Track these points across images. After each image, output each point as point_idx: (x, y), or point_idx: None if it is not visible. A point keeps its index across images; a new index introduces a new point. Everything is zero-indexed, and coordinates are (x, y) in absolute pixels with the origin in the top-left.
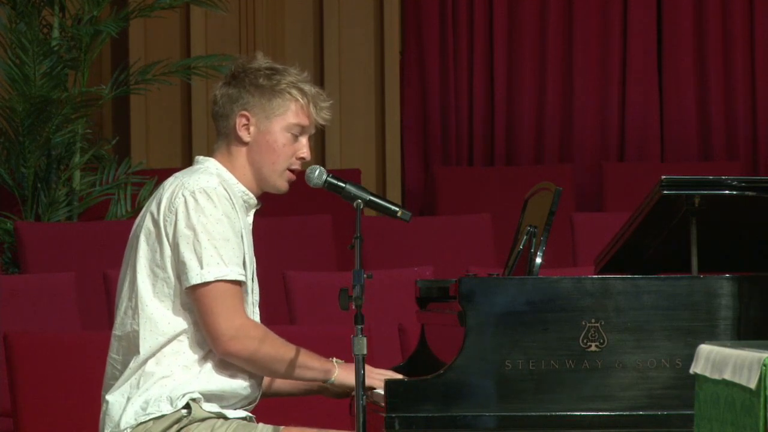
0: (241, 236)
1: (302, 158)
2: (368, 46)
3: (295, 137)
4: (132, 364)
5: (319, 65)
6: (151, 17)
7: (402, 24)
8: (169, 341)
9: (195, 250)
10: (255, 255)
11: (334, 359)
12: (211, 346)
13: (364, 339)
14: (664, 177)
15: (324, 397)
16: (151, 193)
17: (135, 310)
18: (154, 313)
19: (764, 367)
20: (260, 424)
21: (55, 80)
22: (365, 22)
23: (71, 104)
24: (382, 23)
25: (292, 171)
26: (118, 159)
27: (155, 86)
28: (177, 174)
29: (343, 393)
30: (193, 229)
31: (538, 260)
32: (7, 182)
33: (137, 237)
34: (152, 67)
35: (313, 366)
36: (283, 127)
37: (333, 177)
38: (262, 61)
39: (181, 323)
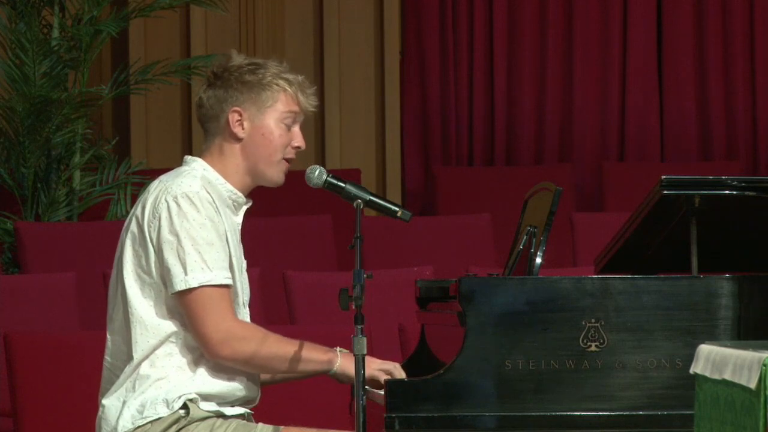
0: (227, 239)
1: (297, 147)
2: (368, 46)
3: (288, 127)
4: (127, 368)
5: (319, 65)
6: (151, 17)
7: (402, 24)
8: (161, 343)
9: (179, 256)
10: (253, 255)
11: (338, 348)
12: (202, 350)
13: (364, 339)
14: (664, 177)
15: (324, 396)
16: None
17: (125, 313)
18: (143, 316)
19: (764, 367)
20: (260, 424)
21: (55, 80)
22: (365, 22)
23: (71, 104)
24: (382, 23)
25: (287, 161)
26: (118, 159)
27: (155, 86)
28: (161, 177)
29: (351, 379)
30: (176, 234)
31: (538, 260)
32: (7, 182)
33: (124, 241)
34: (152, 67)
35: (314, 358)
36: (277, 118)
37: (333, 177)
38: (240, 58)
39: (170, 326)
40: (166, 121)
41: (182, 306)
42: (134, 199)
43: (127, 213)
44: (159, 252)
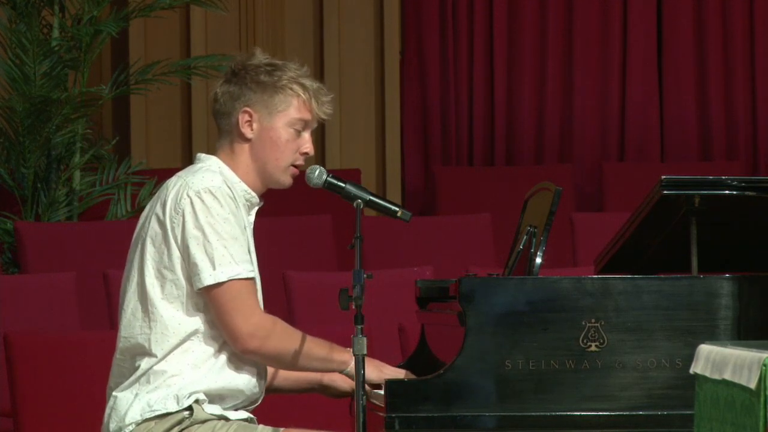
0: (245, 234)
1: (305, 153)
2: (368, 46)
3: (298, 132)
4: (144, 365)
5: (319, 65)
6: (151, 17)
7: (402, 24)
8: (181, 342)
9: (206, 251)
10: (256, 255)
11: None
12: (231, 344)
13: (364, 339)
14: (664, 177)
15: (324, 398)
16: (151, 194)
17: (145, 312)
18: (164, 315)
19: (764, 367)
20: (260, 426)
21: (55, 80)
22: (365, 21)
23: (71, 104)
24: (382, 23)
25: (295, 166)
26: (118, 159)
27: (155, 86)
28: (179, 173)
29: (342, 393)
30: (201, 229)
31: (538, 260)
32: (7, 182)
33: (143, 239)
34: (152, 67)
35: (333, 358)
36: (286, 122)
37: (333, 177)
38: (261, 57)
39: (191, 324)
40: (166, 121)
41: (210, 300)
42: (134, 199)
43: (128, 213)
44: (184, 248)
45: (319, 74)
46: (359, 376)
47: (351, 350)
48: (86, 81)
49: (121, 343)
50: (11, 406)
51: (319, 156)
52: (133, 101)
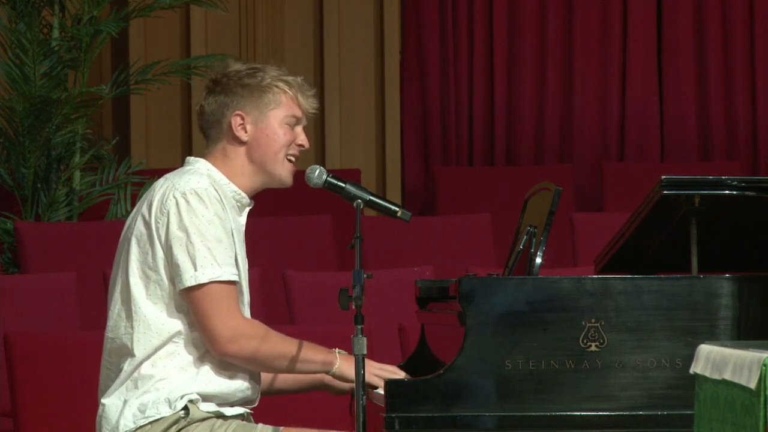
0: (232, 236)
1: (301, 145)
2: (368, 46)
3: (291, 128)
4: (127, 367)
5: (319, 65)
6: (151, 17)
7: (402, 24)
8: (164, 343)
9: (188, 252)
10: (253, 255)
11: (337, 350)
12: (209, 347)
13: (364, 339)
14: (664, 177)
15: (324, 397)
16: None
17: (128, 312)
18: (147, 315)
19: (764, 367)
20: (260, 425)
21: (55, 80)
22: (365, 22)
23: (71, 104)
24: (382, 23)
25: (291, 161)
26: (118, 159)
27: (155, 86)
28: (167, 175)
29: (344, 390)
30: (185, 230)
31: (538, 260)
32: (7, 182)
33: (128, 239)
34: (152, 67)
35: (314, 359)
36: (280, 120)
37: (333, 177)
38: (238, 64)
39: (175, 325)
40: (166, 121)
41: (190, 302)
42: (134, 199)
43: (128, 213)
44: (167, 249)
45: (319, 74)
46: (359, 376)
47: (336, 351)
48: (86, 81)
49: (107, 345)
50: (11, 406)
51: (319, 156)
52: (133, 101)
